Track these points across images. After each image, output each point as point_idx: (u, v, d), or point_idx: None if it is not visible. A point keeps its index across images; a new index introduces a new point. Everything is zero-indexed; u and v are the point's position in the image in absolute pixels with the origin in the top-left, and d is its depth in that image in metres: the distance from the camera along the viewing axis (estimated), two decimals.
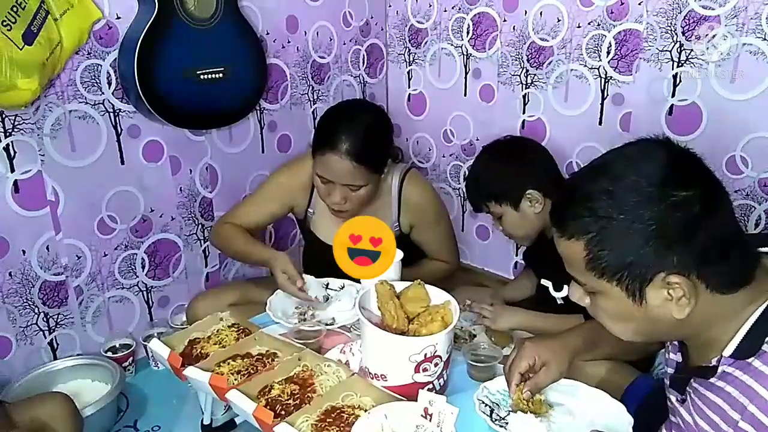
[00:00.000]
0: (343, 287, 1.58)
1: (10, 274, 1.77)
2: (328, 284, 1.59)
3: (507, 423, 1.11)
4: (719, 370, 0.92)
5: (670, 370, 1.09)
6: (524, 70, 2.19)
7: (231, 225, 1.81)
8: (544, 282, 1.76)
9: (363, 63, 2.51)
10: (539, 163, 1.70)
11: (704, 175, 0.90)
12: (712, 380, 0.93)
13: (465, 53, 2.35)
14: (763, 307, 0.90)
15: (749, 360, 0.88)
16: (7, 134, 1.68)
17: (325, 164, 1.61)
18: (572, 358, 1.22)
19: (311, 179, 1.73)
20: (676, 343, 1.07)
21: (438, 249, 1.89)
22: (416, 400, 1.03)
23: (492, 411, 1.14)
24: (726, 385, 0.90)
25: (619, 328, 0.97)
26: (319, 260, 1.66)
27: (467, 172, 1.78)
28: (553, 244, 0.98)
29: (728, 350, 0.91)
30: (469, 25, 2.30)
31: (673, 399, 1.06)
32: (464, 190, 1.79)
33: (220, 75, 1.91)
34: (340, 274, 1.48)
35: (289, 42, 2.23)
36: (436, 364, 1.15)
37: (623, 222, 0.87)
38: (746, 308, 0.91)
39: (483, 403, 1.16)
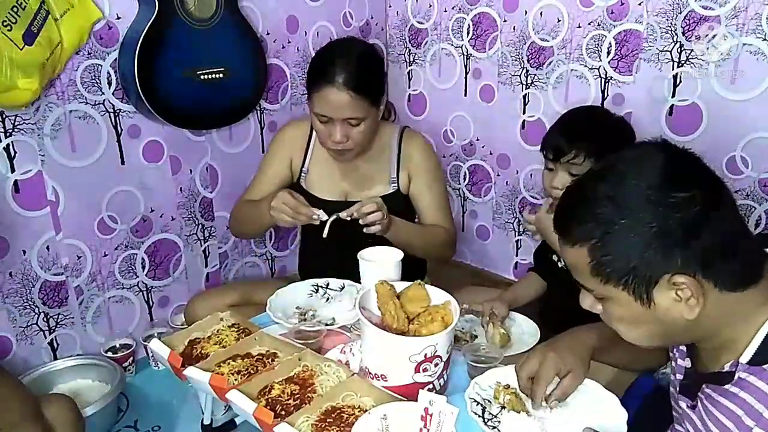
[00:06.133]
0: (343, 287, 1.58)
1: (10, 274, 1.77)
2: (328, 284, 1.59)
3: (499, 422, 1.11)
4: (735, 376, 0.90)
5: (679, 377, 1.07)
6: (524, 70, 2.19)
7: (240, 203, 1.82)
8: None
9: None
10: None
11: (704, 174, 0.89)
12: (726, 386, 0.91)
13: (465, 53, 2.35)
14: None
15: (765, 366, 0.87)
16: (8, 134, 1.68)
17: (323, 99, 1.57)
18: (591, 355, 1.18)
19: (310, 133, 1.75)
20: (683, 348, 1.05)
21: (434, 212, 1.82)
22: (416, 400, 1.03)
23: (484, 409, 1.13)
24: (740, 391, 0.89)
25: (633, 334, 0.96)
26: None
27: (565, 114, 1.65)
28: None
29: (745, 356, 0.89)
30: (469, 25, 2.30)
31: (684, 405, 1.04)
32: (556, 126, 1.62)
33: (221, 75, 1.91)
34: (338, 245, 1.47)
35: (289, 42, 2.23)
36: (436, 365, 1.15)
37: (625, 226, 0.87)
38: (759, 310, 0.90)
39: (474, 401, 1.14)
